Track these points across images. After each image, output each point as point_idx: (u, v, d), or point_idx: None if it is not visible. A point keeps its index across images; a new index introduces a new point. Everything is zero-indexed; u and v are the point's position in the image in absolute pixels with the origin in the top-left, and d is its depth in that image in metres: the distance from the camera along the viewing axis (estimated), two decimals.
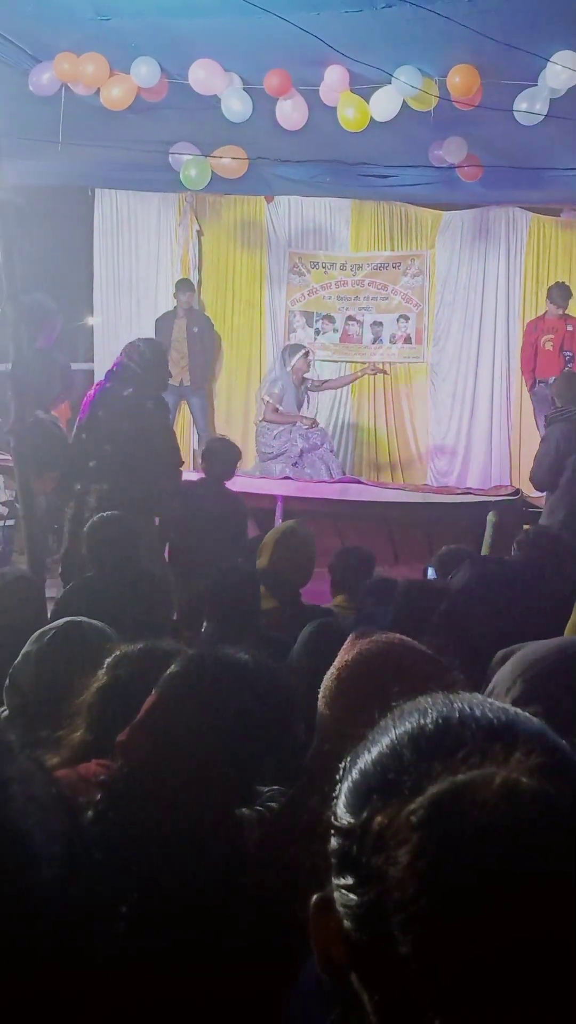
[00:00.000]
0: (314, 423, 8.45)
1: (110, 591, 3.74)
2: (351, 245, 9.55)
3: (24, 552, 5.07)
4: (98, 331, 9.83)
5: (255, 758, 1.61)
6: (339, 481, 8.12)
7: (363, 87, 6.45)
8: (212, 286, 9.80)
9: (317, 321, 9.58)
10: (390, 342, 9.48)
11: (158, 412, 5.46)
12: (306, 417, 8.45)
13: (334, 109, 6.56)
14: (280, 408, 8.28)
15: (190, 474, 6.04)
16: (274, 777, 1.70)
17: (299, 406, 8.45)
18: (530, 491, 7.14)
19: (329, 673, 1.50)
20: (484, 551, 6.64)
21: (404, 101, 6.41)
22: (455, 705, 0.77)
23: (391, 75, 6.25)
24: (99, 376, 9.06)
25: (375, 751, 0.77)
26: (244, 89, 6.63)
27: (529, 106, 6.26)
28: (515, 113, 6.31)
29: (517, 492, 7.75)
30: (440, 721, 0.76)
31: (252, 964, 1.30)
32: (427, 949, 0.66)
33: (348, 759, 0.79)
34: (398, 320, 9.46)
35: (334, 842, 0.76)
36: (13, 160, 6.14)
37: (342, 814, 0.76)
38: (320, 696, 1.50)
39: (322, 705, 1.49)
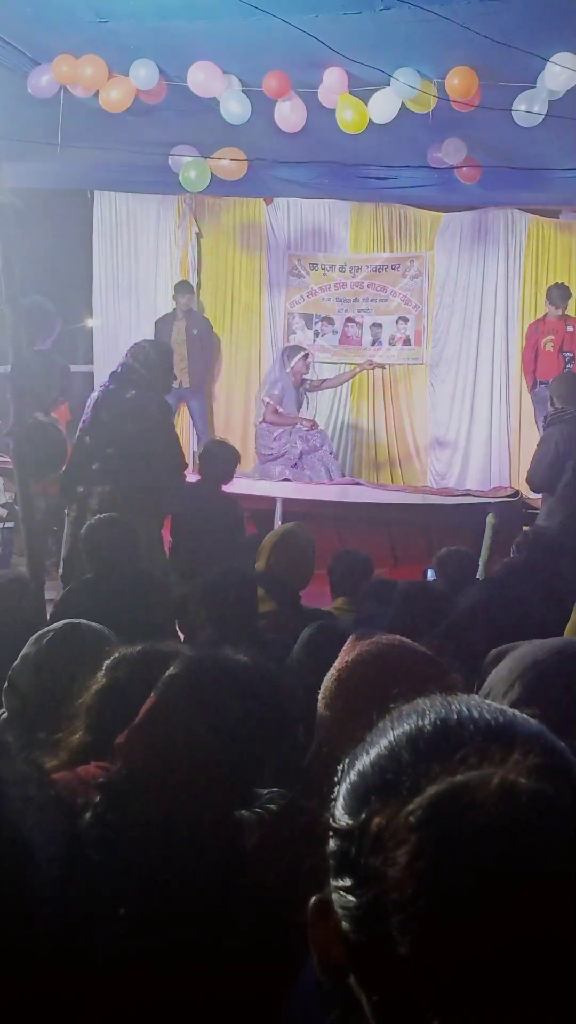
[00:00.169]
0: (314, 425, 8.46)
1: (109, 593, 3.74)
2: (350, 247, 9.55)
3: (24, 554, 5.07)
4: (97, 333, 9.83)
5: (254, 760, 1.61)
6: (338, 483, 8.12)
7: (362, 89, 6.46)
8: (211, 288, 9.80)
9: (316, 323, 9.59)
10: (389, 344, 9.48)
11: (162, 415, 5.45)
12: (306, 419, 8.45)
13: (333, 111, 6.56)
14: (280, 409, 8.28)
15: (190, 476, 6.04)
16: (274, 779, 1.70)
17: (298, 407, 8.46)
18: (529, 493, 7.14)
19: (329, 674, 1.50)
20: (483, 553, 6.65)
21: (403, 103, 6.42)
22: (453, 706, 0.77)
23: (390, 77, 6.26)
24: (99, 378, 9.08)
25: (373, 752, 0.77)
26: (243, 91, 6.63)
27: (528, 107, 6.26)
28: (514, 114, 6.31)
29: (516, 494, 7.76)
30: (438, 722, 0.76)
31: (252, 965, 1.30)
32: (426, 949, 0.66)
33: (347, 761, 0.79)
34: (397, 322, 9.46)
35: (332, 844, 0.76)
36: (12, 162, 6.16)
37: (340, 816, 0.76)
38: (320, 697, 1.50)
39: (322, 706, 1.49)
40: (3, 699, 2.43)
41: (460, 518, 7.36)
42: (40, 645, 2.44)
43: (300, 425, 8.28)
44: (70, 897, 0.77)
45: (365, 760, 0.77)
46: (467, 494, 8.16)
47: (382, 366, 9.08)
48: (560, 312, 8.50)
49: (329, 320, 9.56)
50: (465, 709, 0.77)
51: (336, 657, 1.53)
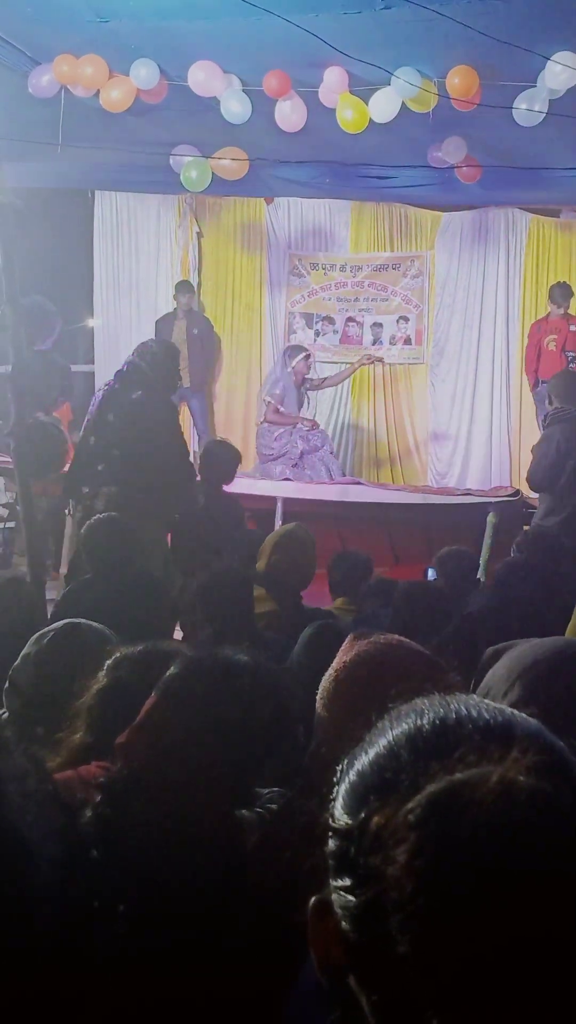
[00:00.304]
0: (315, 425, 8.46)
1: (107, 593, 3.73)
2: (351, 246, 9.55)
3: (24, 554, 5.07)
4: (98, 333, 9.83)
5: (255, 760, 1.61)
6: (339, 482, 8.12)
7: (362, 88, 6.45)
8: (212, 288, 9.80)
9: (317, 323, 9.58)
10: (390, 343, 9.48)
11: (168, 416, 5.43)
12: (307, 419, 8.45)
13: (333, 110, 6.56)
14: (281, 409, 8.28)
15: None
16: (274, 779, 1.70)
17: (299, 406, 8.46)
18: (529, 492, 7.14)
19: (327, 675, 1.50)
20: (484, 552, 6.65)
21: (403, 102, 6.41)
22: (452, 706, 0.78)
23: (390, 76, 6.26)
24: (99, 377, 9.08)
25: (372, 752, 0.77)
26: (243, 91, 6.63)
27: (528, 106, 6.26)
28: (514, 113, 6.31)
29: (517, 493, 7.75)
30: (437, 721, 0.76)
31: (252, 965, 1.30)
32: (425, 948, 0.66)
33: (345, 761, 0.79)
34: (398, 321, 9.46)
35: (332, 844, 0.76)
36: (13, 162, 6.16)
37: (340, 815, 0.76)
38: (318, 698, 1.50)
39: (320, 707, 1.49)
40: (4, 699, 2.43)
41: (461, 517, 7.36)
42: (41, 645, 2.44)
43: (301, 425, 8.28)
44: (69, 896, 0.77)
45: (364, 760, 0.77)
46: (467, 493, 8.16)
47: (380, 359, 9.08)
48: (562, 311, 8.49)
49: (330, 320, 9.56)
50: (464, 708, 0.77)
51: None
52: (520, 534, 5.64)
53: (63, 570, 6.45)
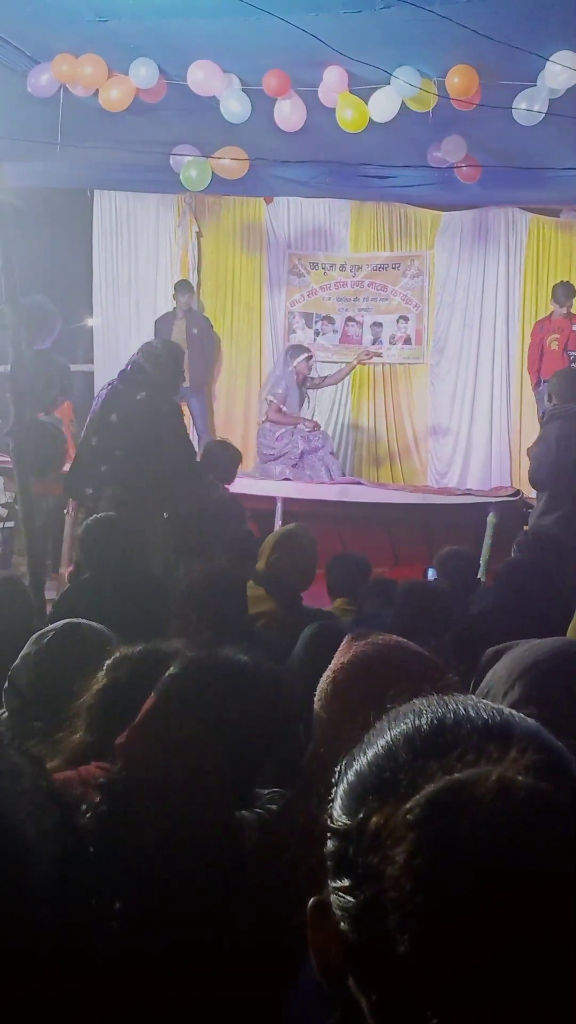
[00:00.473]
0: (316, 426, 8.47)
1: (105, 593, 3.72)
2: (350, 246, 9.55)
3: (24, 554, 5.06)
4: (97, 332, 9.84)
5: (255, 760, 1.61)
6: (339, 482, 8.12)
7: (362, 88, 6.45)
8: (211, 287, 9.80)
9: (317, 322, 9.58)
10: (390, 343, 9.48)
11: (173, 417, 5.41)
12: (309, 420, 8.46)
13: (333, 110, 6.56)
14: (284, 409, 8.28)
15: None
16: (274, 779, 1.70)
17: (301, 405, 8.47)
18: (530, 492, 7.13)
19: (325, 675, 1.50)
20: (484, 552, 6.65)
21: (403, 102, 6.41)
22: (450, 706, 0.78)
23: (390, 75, 6.25)
24: (99, 377, 9.08)
25: (371, 753, 0.77)
26: (243, 90, 6.63)
27: (528, 106, 6.26)
28: (514, 113, 6.31)
29: (517, 493, 7.75)
30: (435, 721, 0.76)
31: (252, 965, 1.30)
32: (424, 947, 0.66)
33: (344, 762, 0.79)
34: (398, 321, 9.46)
35: (330, 844, 0.76)
36: (12, 162, 6.15)
37: (338, 816, 0.76)
38: (316, 698, 1.50)
39: (319, 707, 1.49)
40: (3, 699, 2.43)
41: (461, 517, 7.36)
42: (41, 645, 2.44)
43: (302, 426, 8.29)
44: (68, 895, 0.77)
45: (362, 760, 0.77)
46: (468, 493, 8.16)
47: (378, 354, 9.09)
48: (565, 311, 8.47)
49: (329, 319, 9.56)
50: (462, 708, 0.77)
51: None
52: (520, 534, 5.63)
53: (63, 570, 6.45)
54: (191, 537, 5.28)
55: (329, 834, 0.76)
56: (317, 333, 9.56)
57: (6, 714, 2.40)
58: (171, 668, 1.65)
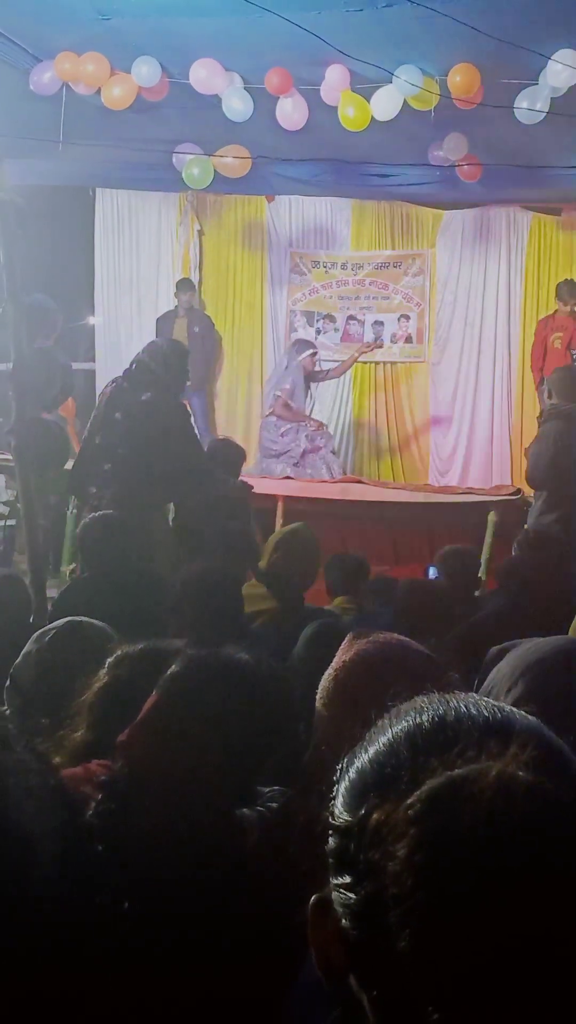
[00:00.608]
0: (320, 426, 8.47)
1: (103, 591, 3.71)
2: (352, 244, 9.54)
3: (25, 552, 5.06)
4: (99, 331, 9.84)
5: (256, 758, 1.61)
6: (340, 481, 8.12)
7: (364, 86, 6.45)
8: (213, 286, 9.79)
9: (318, 321, 9.58)
10: (391, 341, 9.47)
11: (180, 417, 5.39)
12: (314, 419, 8.46)
13: (335, 108, 6.55)
14: (291, 403, 8.27)
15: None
16: (275, 777, 1.70)
17: (306, 400, 8.48)
18: (530, 491, 7.13)
19: (327, 674, 1.50)
20: (485, 551, 6.65)
21: (405, 100, 6.40)
22: (451, 703, 0.78)
23: (392, 74, 6.25)
24: (100, 375, 9.08)
25: (372, 750, 0.77)
26: (245, 88, 6.62)
27: (530, 105, 6.25)
28: (516, 112, 6.30)
29: (518, 492, 7.74)
30: (436, 719, 0.76)
31: (252, 964, 1.30)
32: (425, 942, 0.67)
33: (346, 759, 0.79)
34: (399, 320, 9.45)
35: (332, 842, 0.76)
36: (14, 160, 6.14)
37: (340, 813, 0.76)
38: (318, 696, 1.50)
39: (320, 705, 1.49)
40: (5, 697, 2.43)
41: (462, 516, 7.35)
42: (42, 643, 2.44)
43: (307, 423, 8.28)
44: (70, 893, 0.77)
45: (364, 758, 0.77)
46: (469, 492, 8.15)
47: (379, 345, 9.09)
48: (569, 309, 8.43)
49: (331, 318, 9.56)
50: (463, 706, 0.77)
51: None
52: (521, 533, 5.63)
53: (64, 568, 6.46)
54: (195, 536, 5.29)
55: (330, 831, 0.76)
56: (318, 332, 9.55)
57: (8, 711, 2.40)
58: (173, 666, 1.65)
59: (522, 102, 6.27)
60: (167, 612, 3.29)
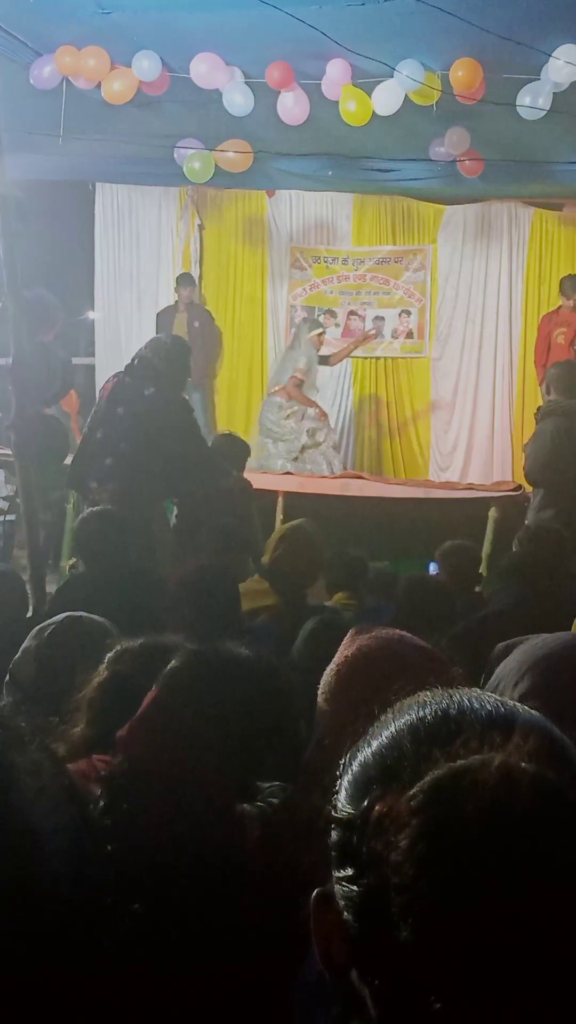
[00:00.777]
0: (324, 415, 8.43)
1: (100, 587, 3.71)
2: (353, 239, 9.53)
3: (25, 547, 5.06)
4: (99, 325, 9.83)
5: (256, 753, 1.61)
6: (340, 476, 8.11)
7: (365, 81, 6.44)
8: (213, 281, 9.79)
9: (319, 316, 9.57)
10: (392, 337, 9.47)
11: (183, 413, 5.38)
12: (319, 407, 8.42)
13: (336, 103, 6.54)
14: (305, 381, 8.24)
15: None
16: (276, 772, 1.70)
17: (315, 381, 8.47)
18: (531, 486, 7.12)
19: (329, 669, 1.50)
20: (486, 547, 6.64)
21: (406, 95, 6.40)
22: (455, 698, 0.78)
23: (393, 69, 6.24)
24: (100, 370, 9.07)
25: (375, 743, 0.77)
26: (246, 83, 6.61)
27: (532, 100, 6.24)
28: (518, 107, 6.30)
29: (519, 487, 7.74)
30: (439, 712, 0.76)
31: (255, 958, 1.30)
32: (427, 932, 0.67)
33: (348, 754, 0.79)
34: (400, 315, 9.45)
35: (334, 835, 0.76)
36: (14, 154, 6.11)
37: (343, 806, 0.76)
38: (320, 692, 1.50)
39: (322, 700, 1.49)
40: (4, 692, 2.43)
41: (462, 512, 7.34)
42: (41, 638, 2.44)
43: (312, 411, 8.25)
44: (80, 893, 0.77)
45: (367, 751, 0.77)
46: (469, 488, 8.15)
47: (375, 336, 9.12)
48: (573, 303, 8.41)
49: (332, 313, 9.55)
50: (466, 700, 0.78)
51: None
52: (521, 529, 5.62)
53: (64, 563, 6.45)
54: (196, 531, 5.28)
55: (333, 824, 0.76)
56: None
57: (7, 704, 2.40)
58: (172, 661, 1.64)
59: (524, 98, 6.26)
60: (164, 611, 3.28)
